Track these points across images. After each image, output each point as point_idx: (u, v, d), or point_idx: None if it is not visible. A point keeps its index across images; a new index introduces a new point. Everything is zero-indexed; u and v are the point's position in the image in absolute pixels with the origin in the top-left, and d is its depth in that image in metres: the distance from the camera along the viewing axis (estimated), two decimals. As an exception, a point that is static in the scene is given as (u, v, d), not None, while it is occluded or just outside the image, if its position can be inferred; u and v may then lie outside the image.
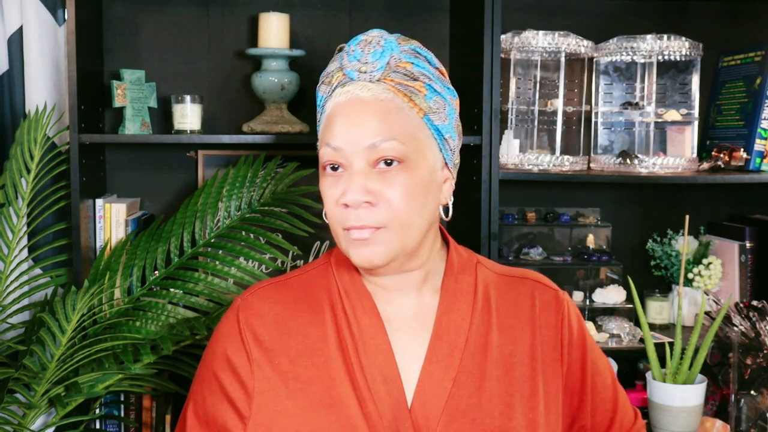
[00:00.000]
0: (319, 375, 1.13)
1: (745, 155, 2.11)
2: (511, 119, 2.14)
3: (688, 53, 2.13)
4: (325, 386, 1.12)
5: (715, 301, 2.09)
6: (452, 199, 1.19)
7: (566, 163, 2.09)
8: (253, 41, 2.21)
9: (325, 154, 1.11)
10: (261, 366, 1.15)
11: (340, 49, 1.16)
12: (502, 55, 2.06)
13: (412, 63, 1.13)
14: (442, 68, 1.19)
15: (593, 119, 2.22)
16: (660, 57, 2.15)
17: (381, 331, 1.14)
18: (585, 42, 2.13)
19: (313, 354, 1.15)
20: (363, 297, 1.17)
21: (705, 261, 2.20)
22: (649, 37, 2.11)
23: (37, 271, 2.06)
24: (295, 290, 1.21)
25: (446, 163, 1.16)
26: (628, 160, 2.08)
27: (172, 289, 1.97)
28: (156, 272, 1.98)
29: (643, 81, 2.20)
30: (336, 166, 1.11)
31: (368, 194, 1.08)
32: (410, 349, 1.15)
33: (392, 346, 1.15)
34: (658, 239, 2.30)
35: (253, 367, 1.15)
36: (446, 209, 1.19)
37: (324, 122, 1.14)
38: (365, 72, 1.11)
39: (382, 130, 1.09)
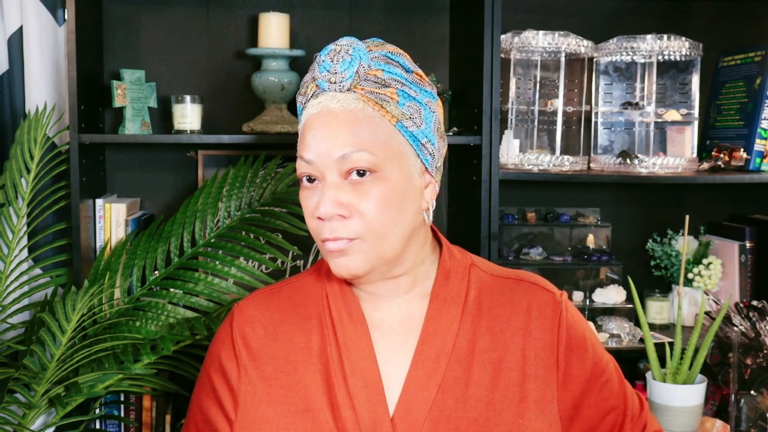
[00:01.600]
0: (300, 381, 1.14)
1: (745, 155, 2.11)
2: (511, 119, 2.14)
3: (688, 53, 2.13)
4: (305, 392, 1.13)
5: (715, 301, 2.09)
6: (434, 204, 1.17)
7: (566, 163, 2.09)
8: (253, 41, 2.21)
9: (299, 166, 1.12)
10: (248, 371, 1.17)
11: (314, 58, 1.16)
12: (502, 55, 2.06)
13: (383, 70, 1.12)
14: (419, 72, 1.16)
15: (593, 119, 2.22)
16: (660, 57, 2.15)
17: (365, 337, 1.14)
18: (585, 42, 2.13)
19: (297, 360, 1.16)
20: (350, 303, 1.17)
21: (705, 261, 2.20)
22: (649, 37, 2.12)
23: (37, 271, 2.06)
24: (287, 297, 1.22)
25: (427, 168, 1.15)
26: (628, 160, 2.08)
27: (172, 289, 1.97)
28: (156, 272, 1.98)
29: (643, 81, 2.20)
30: (312, 178, 1.11)
31: (340, 207, 1.08)
32: (396, 354, 1.14)
33: (377, 352, 1.14)
34: (658, 239, 2.30)
35: (240, 373, 1.17)
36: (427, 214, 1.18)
37: (300, 134, 1.14)
38: (335, 82, 1.10)
39: (352, 141, 1.08)
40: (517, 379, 1.14)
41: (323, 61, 1.11)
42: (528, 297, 1.19)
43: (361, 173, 1.08)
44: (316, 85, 1.12)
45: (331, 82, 1.10)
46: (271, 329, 1.19)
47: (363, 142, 1.08)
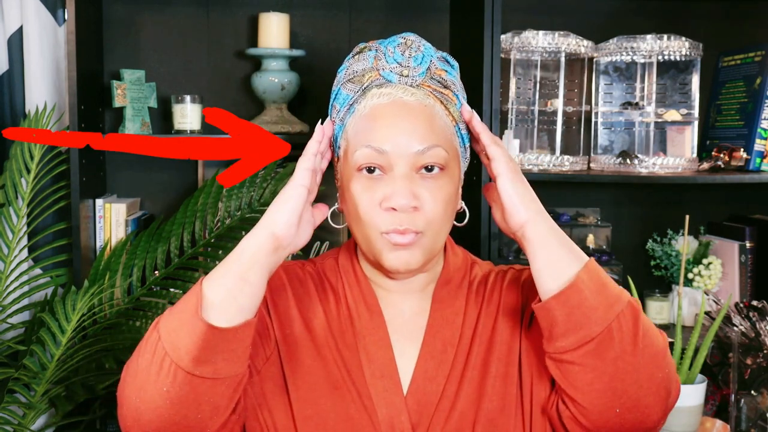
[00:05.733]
0: (324, 358, 1.13)
1: (745, 155, 2.11)
2: (511, 119, 2.14)
3: (688, 53, 2.13)
4: (327, 370, 1.12)
5: (715, 301, 2.09)
6: (463, 203, 1.19)
7: (566, 163, 2.09)
8: (253, 41, 2.21)
9: (364, 155, 1.09)
10: (277, 325, 1.15)
11: (362, 50, 1.14)
12: (502, 55, 2.06)
13: (446, 71, 1.13)
14: None
15: (593, 119, 2.22)
16: (660, 57, 2.15)
17: (382, 327, 1.15)
18: (585, 42, 2.13)
19: (318, 339, 1.15)
20: (366, 294, 1.17)
21: (705, 261, 2.20)
22: (649, 37, 2.11)
23: (37, 271, 2.06)
24: (309, 276, 1.21)
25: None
26: (628, 160, 2.08)
27: (172, 289, 1.97)
28: (156, 272, 1.98)
29: (643, 81, 2.20)
30: (373, 168, 1.09)
31: (415, 199, 1.07)
32: (406, 350, 1.15)
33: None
34: (658, 239, 2.30)
35: (272, 318, 1.15)
36: (462, 215, 1.18)
37: (358, 123, 1.11)
38: (407, 76, 1.10)
39: (430, 136, 1.08)
40: (506, 353, 1.15)
41: (392, 52, 1.11)
42: (508, 277, 1.21)
43: (429, 168, 1.09)
44: (380, 75, 1.11)
45: (402, 75, 1.10)
46: (297, 299, 1.17)
47: (439, 138, 1.09)
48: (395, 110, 1.09)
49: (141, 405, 0.99)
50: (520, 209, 1.06)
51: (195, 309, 0.99)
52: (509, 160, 1.09)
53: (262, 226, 1.05)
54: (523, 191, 1.07)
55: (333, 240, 2.22)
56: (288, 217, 1.05)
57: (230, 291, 1.01)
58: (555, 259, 1.04)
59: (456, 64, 1.16)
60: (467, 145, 1.17)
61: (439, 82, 1.12)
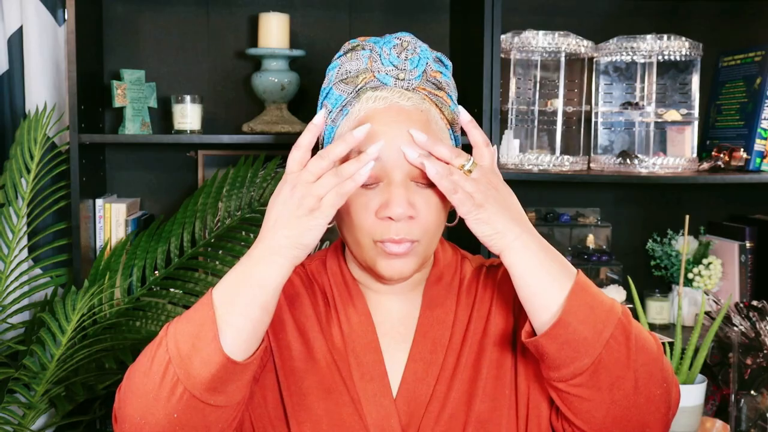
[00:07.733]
0: (317, 362, 1.12)
1: (745, 155, 2.11)
2: (511, 119, 2.14)
3: (688, 53, 2.13)
4: (321, 374, 1.12)
5: (715, 301, 2.09)
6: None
7: (566, 163, 2.09)
8: (253, 41, 2.21)
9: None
10: (271, 330, 1.13)
11: (354, 47, 1.11)
12: (502, 55, 2.06)
13: (441, 72, 1.11)
14: None
15: (593, 119, 2.22)
16: (660, 57, 2.15)
17: (371, 330, 1.14)
18: (585, 42, 2.13)
19: (309, 342, 1.14)
20: (356, 298, 1.16)
21: (705, 261, 2.20)
22: (649, 37, 2.11)
23: (37, 271, 2.06)
24: (299, 277, 1.19)
25: None
26: (628, 160, 2.08)
27: (172, 289, 1.97)
28: (156, 272, 1.98)
29: (643, 81, 2.20)
30: None
31: (411, 208, 1.05)
32: (396, 353, 1.14)
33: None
34: (658, 239, 2.30)
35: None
36: (453, 214, 1.17)
37: (352, 127, 1.07)
38: (403, 79, 1.07)
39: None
40: (498, 354, 1.13)
41: (388, 54, 1.08)
42: (501, 272, 1.19)
43: (424, 177, 1.05)
44: (374, 77, 1.08)
45: (399, 79, 1.07)
46: (290, 303, 1.16)
47: None
48: (392, 117, 1.06)
49: (146, 427, 0.96)
50: (489, 245, 1.02)
51: (212, 337, 0.95)
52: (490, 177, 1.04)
53: (286, 256, 0.99)
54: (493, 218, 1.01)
55: (333, 240, 2.22)
56: (311, 249, 1.01)
57: (252, 323, 0.98)
58: (537, 290, 1.00)
59: (450, 64, 1.14)
60: (459, 146, 1.14)
61: (434, 84, 1.10)
